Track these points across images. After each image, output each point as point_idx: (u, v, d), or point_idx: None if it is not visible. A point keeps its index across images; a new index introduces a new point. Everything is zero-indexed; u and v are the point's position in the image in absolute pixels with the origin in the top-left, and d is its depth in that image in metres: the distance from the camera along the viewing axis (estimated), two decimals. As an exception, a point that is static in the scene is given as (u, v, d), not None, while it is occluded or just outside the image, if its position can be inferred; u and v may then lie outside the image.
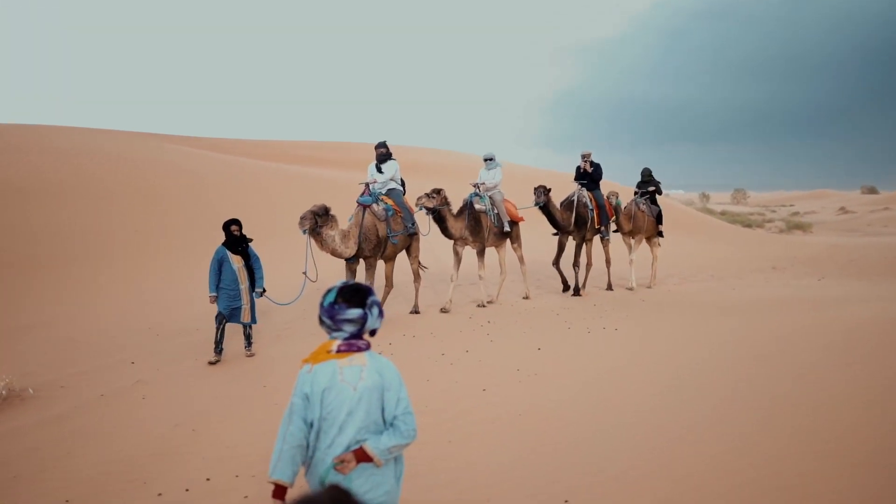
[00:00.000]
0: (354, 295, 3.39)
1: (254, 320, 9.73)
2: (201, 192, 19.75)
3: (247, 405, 7.90)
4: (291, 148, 37.89)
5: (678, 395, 7.41)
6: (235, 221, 9.60)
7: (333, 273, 13.40)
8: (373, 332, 3.51)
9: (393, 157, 12.11)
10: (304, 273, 10.58)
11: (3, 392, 7.92)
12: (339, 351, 3.39)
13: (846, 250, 25.32)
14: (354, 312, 3.36)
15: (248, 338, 9.84)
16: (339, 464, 3.30)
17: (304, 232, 10.42)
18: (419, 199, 11.88)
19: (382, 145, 11.97)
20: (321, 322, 3.43)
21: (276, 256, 15.11)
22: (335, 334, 3.41)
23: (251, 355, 9.80)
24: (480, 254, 12.87)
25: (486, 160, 13.26)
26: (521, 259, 13.78)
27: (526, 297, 13.62)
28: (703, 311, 11.81)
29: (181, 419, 7.50)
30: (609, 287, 14.98)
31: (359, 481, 3.33)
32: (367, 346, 3.46)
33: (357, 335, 3.42)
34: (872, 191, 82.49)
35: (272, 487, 3.42)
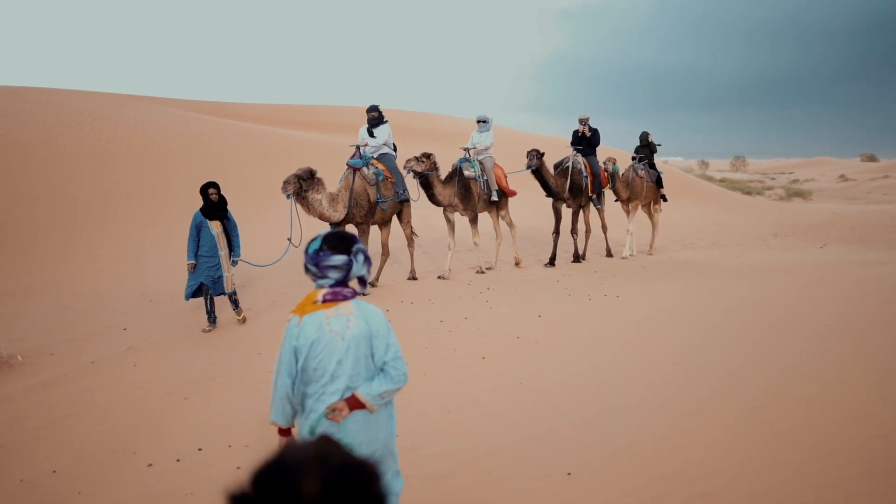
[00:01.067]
0: (339, 242, 3.36)
1: (233, 290, 9.35)
2: (202, 156, 19.44)
3: (241, 373, 7.72)
4: (280, 111, 37.36)
5: (682, 365, 7.23)
6: (213, 185, 9.19)
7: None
8: (362, 281, 3.50)
9: (385, 120, 11.76)
10: (289, 239, 10.28)
11: (-9, 358, 7.73)
12: (324, 300, 3.36)
13: (847, 218, 25.10)
14: (339, 259, 3.32)
15: (235, 303, 9.48)
16: (331, 412, 3.30)
17: (288, 196, 10.08)
18: (407, 161, 11.51)
19: (374, 109, 11.60)
20: (306, 270, 3.40)
21: (274, 219, 14.86)
22: (321, 281, 3.38)
23: (243, 320, 9.54)
24: (473, 221, 12.51)
25: (479, 122, 12.90)
26: (509, 223, 13.23)
27: (517, 264, 13.20)
28: (706, 279, 11.60)
29: (173, 387, 7.32)
30: (608, 254, 14.72)
31: (353, 429, 3.34)
32: (353, 294, 3.44)
33: (342, 282, 3.39)
34: (872, 158, 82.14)
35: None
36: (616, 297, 10.30)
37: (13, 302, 10.41)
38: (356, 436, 3.35)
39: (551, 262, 13.49)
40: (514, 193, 13.14)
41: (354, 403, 3.32)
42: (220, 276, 9.15)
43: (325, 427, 3.34)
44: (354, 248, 3.37)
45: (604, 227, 14.79)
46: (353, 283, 3.52)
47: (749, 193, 39.91)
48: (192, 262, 9.06)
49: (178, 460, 5.64)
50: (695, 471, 5.02)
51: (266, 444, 5.76)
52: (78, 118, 19.59)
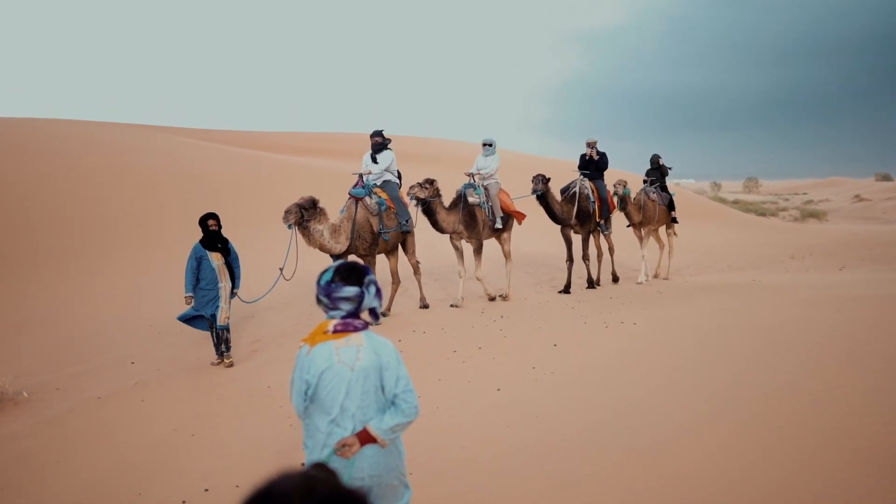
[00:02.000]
0: (351, 273, 3.37)
1: (227, 324, 8.95)
2: (200, 183, 19.35)
3: (249, 407, 7.55)
4: (288, 139, 37.22)
5: (706, 398, 6.98)
6: (212, 216, 8.95)
7: (307, 272, 12.83)
8: (373, 314, 3.49)
9: (389, 146, 11.46)
10: (280, 269, 9.98)
11: (-5, 396, 7.58)
12: (335, 331, 3.36)
13: (864, 238, 24.77)
14: (351, 290, 3.33)
15: (226, 342, 9.00)
16: (342, 448, 3.27)
17: (290, 226, 9.85)
18: (411, 188, 11.24)
19: (378, 134, 11.33)
20: (318, 301, 3.40)
21: (276, 247, 14.73)
22: (332, 313, 3.38)
23: (230, 364, 8.98)
24: (477, 251, 12.09)
25: (484, 145, 12.53)
26: (507, 255, 12.82)
27: (502, 297, 12.57)
28: (725, 304, 11.33)
29: (180, 423, 7.15)
30: (614, 279, 14.32)
31: (364, 464, 3.32)
32: (364, 326, 3.44)
33: (354, 314, 3.39)
34: (887, 178, 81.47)
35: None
36: (633, 325, 10.06)
37: (18, 335, 10.26)
38: (368, 470, 3.33)
39: (566, 289, 13.20)
40: (523, 217, 12.78)
41: (365, 438, 3.29)
42: (218, 308, 8.88)
43: (335, 463, 3.28)
44: (366, 280, 3.38)
45: (611, 250, 14.38)
46: (365, 315, 3.50)
47: (763, 215, 39.62)
48: (190, 294, 8.80)
49: (183, 502, 5.46)
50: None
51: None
52: (80, 148, 19.57)
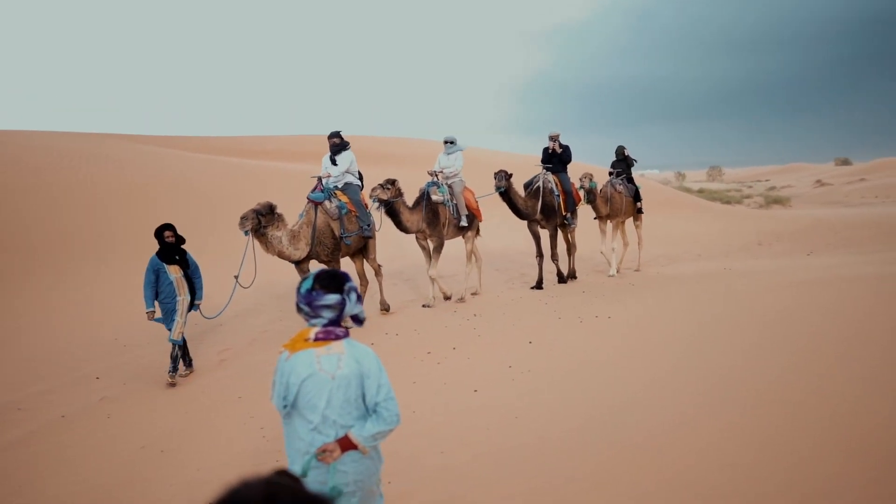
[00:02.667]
0: (332, 281, 3.35)
1: (181, 339, 8.64)
2: (155, 191, 18.96)
3: (220, 420, 7.33)
4: (252, 143, 36.71)
5: (689, 394, 6.89)
6: (169, 226, 8.65)
7: (271, 279, 12.51)
8: (357, 320, 3.47)
9: (347, 146, 11.15)
10: (236, 277, 9.69)
11: (-47, 419, 7.27)
12: (316, 339, 3.35)
13: (829, 223, 25.00)
14: (332, 298, 3.32)
15: (174, 359, 8.59)
16: (322, 454, 3.27)
17: (246, 233, 9.47)
18: (372, 190, 10.93)
19: (336, 135, 10.98)
20: (299, 309, 3.39)
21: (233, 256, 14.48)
22: (314, 321, 3.37)
23: (172, 383, 8.54)
24: (437, 250, 11.81)
25: (446, 143, 12.32)
26: (469, 254, 12.52)
27: (474, 294, 12.55)
28: (697, 294, 11.29)
29: (148, 440, 6.91)
30: (571, 276, 13.90)
31: (344, 469, 3.32)
32: (346, 334, 3.42)
33: (336, 321, 3.38)
34: (846, 162, 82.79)
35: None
36: (608, 318, 9.97)
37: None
38: (352, 475, 3.34)
39: (538, 285, 13.05)
40: (480, 218, 12.68)
41: (346, 444, 3.29)
42: (173, 322, 8.58)
43: (316, 469, 3.30)
44: (346, 287, 3.37)
45: (572, 247, 14.07)
46: (346, 322, 3.49)
47: (728, 203, 39.93)
48: (151, 309, 8.55)
49: (154, 524, 5.24)
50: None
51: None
52: (38, 161, 19.09)
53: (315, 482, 3.30)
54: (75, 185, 17.47)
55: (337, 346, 3.36)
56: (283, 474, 1.56)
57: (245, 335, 10.57)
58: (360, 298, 3.43)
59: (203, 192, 19.87)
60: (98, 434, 7.16)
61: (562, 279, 13.57)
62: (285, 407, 3.36)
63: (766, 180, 71.64)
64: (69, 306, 11.98)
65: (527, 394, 7.21)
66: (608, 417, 6.35)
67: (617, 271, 14.43)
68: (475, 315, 10.90)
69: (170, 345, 8.74)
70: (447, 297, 12.04)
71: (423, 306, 11.64)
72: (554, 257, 13.44)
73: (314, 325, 3.38)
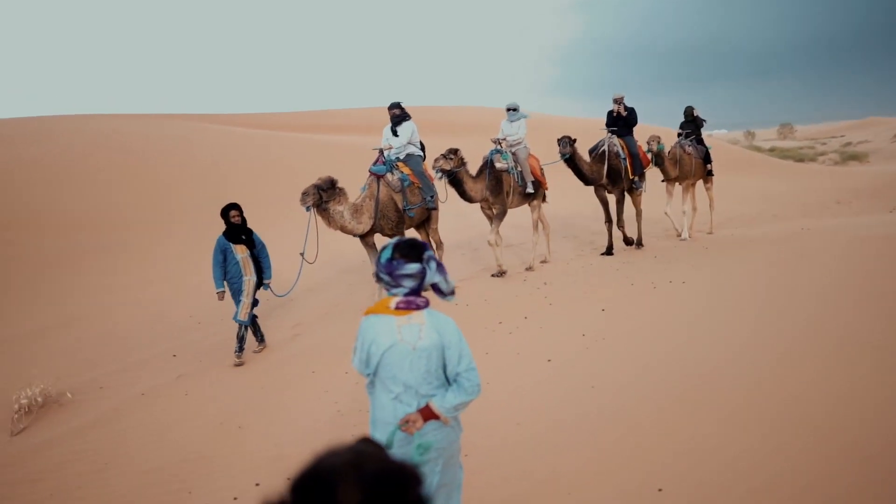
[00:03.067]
0: (412, 250, 3.34)
1: (249, 320, 8.67)
2: (223, 169, 19.19)
3: (295, 395, 7.36)
4: (301, 118, 36.78)
5: (763, 352, 6.63)
6: (234, 206, 8.67)
7: (338, 253, 12.42)
8: (438, 291, 3.41)
9: (409, 117, 10.96)
10: (302, 254, 9.61)
11: (39, 399, 7.47)
12: (397, 308, 3.34)
13: (911, 178, 24.00)
14: (413, 267, 3.30)
15: (240, 339, 8.66)
16: (405, 424, 3.28)
17: (308, 209, 9.35)
18: (435, 161, 10.72)
19: (396, 106, 10.81)
20: (378, 279, 3.40)
21: (297, 230, 14.56)
22: (395, 290, 3.36)
23: (240, 363, 8.60)
24: (498, 217, 11.51)
25: (508, 110, 12.00)
26: (535, 222, 12.31)
27: (544, 262, 12.40)
28: (777, 257, 10.89)
29: (226, 416, 6.99)
30: (639, 243, 13.40)
31: (428, 438, 3.34)
32: (426, 304, 3.40)
33: (417, 291, 3.36)
34: (926, 114, 79.26)
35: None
36: (682, 284, 9.69)
37: (56, 336, 10.14)
38: (437, 444, 3.37)
39: (608, 251, 12.81)
40: (545, 186, 12.38)
41: (428, 414, 3.31)
42: (239, 302, 8.65)
43: (400, 438, 3.33)
44: (426, 256, 3.35)
45: (638, 213, 13.62)
46: (427, 293, 3.50)
47: (801, 161, 38.74)
48: (222, 290, 8.61)
49: (235, 498, 5.29)
50: (794, 481, 4.47)
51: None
52: (111, 141, 19.51)
53: (399, 452, 3.32)
54: (145, 166, 17.82)
55: (418, 317, 3.35)
56: (367, 442, 1.56)
57: (316, 310, 10.63)
58: (441, 267, 3.39)
59: (270, 168, 20.07)
60: (177, 410, 7.27)
61: (629, 243, 13.30)
62: (368, 375, 3.42)
63: (841, 136, 69.12)
64: (144, 285, 12.24)
65: (602, 362, 7.05)
66: (687, 384, 6.15)
67: (690, 235, 14.07)
68: (545, 283, 10.74)
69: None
70: (502, 271, 11.67)
71: (493, 276, 11.50)
72: (620, 223, 13.15)
73: (395, 295, 3.37)
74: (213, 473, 5.79)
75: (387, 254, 3.36)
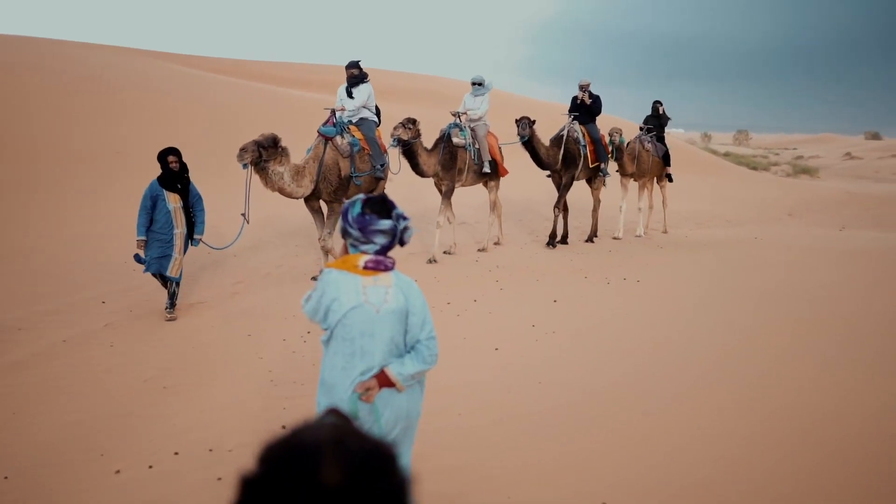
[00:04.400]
0: (382, 206, 3.18)
1: (179, 276, 8.08)
2: (181, 109, 18.46)
3: (227, 358, 6.99)
4: (266, 68, 35.98)
5: (718, 366, 6.49)
6: (173, 151, 7.97)
7: (281, 213, 11.92)
8: (402, 243, 3.25)
9: (367, 79, 10.30)
10: (243, 215, 9.03)
11: (-49, 335, 6.95)
12: (366, 267, 3.18)
13: (860, 198, 24.36)
14: (386, 223, 3.14)
15: (172, 296, 8.06)
16: (365, 392, 3.16)
17: (245, 166, 8.64)
18: (394, 129, 10.24)
19: (354, 65, 10.16)
20: (346, 234, 3.19)
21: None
22: (364, 247, 3.18)
23: (172, 318, 8.03)
24: (447, 195, 11.13)
25: (473, 84, 11.51)
26: (492, 204, 11.99)
27: (496, 244, 12.09)
28: (731, 262, 10.81)
29: (152, 373, 6.58)
30: (592, 237, 13.08)
31: (380, 405, 3.21)
32: (393, 265, 3.26)
33: (387, 249, 3.20)
34: (876, 136, 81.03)
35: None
36: (637, 282, 9.53)
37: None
38: (395, 414, 3.25)
39: (563, 239, 12.45)
40: (505, 173, 11.92)
41: (384, 381, 3.17)
42: (169, 257, 7.94)
43: (364, 409, 3.20)
44: (395, 213, 3.19)
45: (596, 205, 13.22)
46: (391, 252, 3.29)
47: (755, 169, 39.08)
48: (143, 238, 7.87)
49: (150, 466, 4.91)
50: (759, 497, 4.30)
51: (254, 452, 5.06)
52: (58, 67, 18.60)
53: (363, 421, 3.17)
54: (99, 98, 17.04)
55: (385, 279, 3.20)
56: (337, 415, 1.48)
57: (259, 269, 10.20)
58: (409, 226, 3.26)
59: (227, 116, 19.37)
60: (99, 363, 6.83)
61: (553, 242, 12.34)
62: (326, 329, 3.25)
63: (794, 148, 70.19)
64: (80, 223, 11.60)
65: (551, 357, 6.84)
66: (630, 387, 5.96)
67: (644, 233, 13.92)
68: (497, 266, 10.49)
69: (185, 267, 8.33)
70: (447, 252, 11.27)
71: (444, 253, 11.15)
72: (556, 207, 12.38)
73: (363, 253, 3.18)
74: (129, 436, 5.40)
75: (357, 209, 3.16)
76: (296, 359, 6.86)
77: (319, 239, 9.68)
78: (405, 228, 3.22)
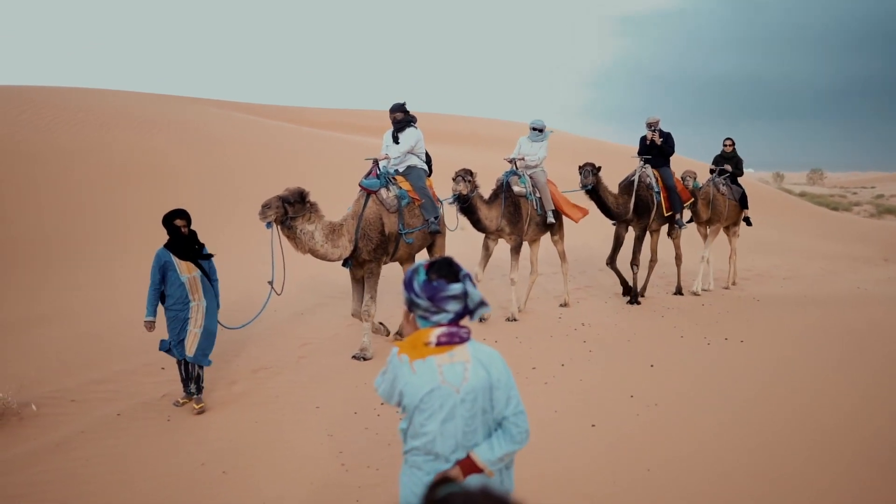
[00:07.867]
0: (448, 268, 2.83)
1: (204, 359, 6.88)
2: (232, 164, 18.10)
3: (293, 436, 6.28)
4: (325, 115, 35.90)
5: (842, 442, 5.55)
6: (181, 213, 6.80)
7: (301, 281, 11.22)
8: (471, 314, 2.87)
9: (415, 123, 9.16)
10: (270, 283, 7.72)
11: (-3, 410, 6.41)
12: (439, 343, 2.81)
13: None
14: (457, 287, 2.80)
15: (196, 380, 6.91)
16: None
17: (269, 225, 7.52)
18: (454, 182, 9.28)
19: (399, 108, 9.06)
20: (413, 307, 2.84)
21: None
22: (436, 318, 2.82)
23: (200, 410, 6.83)
24: (516, 251, 10.10)
25: (532, 129, 10.45)
26: (562, 255, 10.98)
27: (564, 305, 10.96)
28: (843, 317, 9.75)
29: (210, 455, 5.91)
30: (678, 291, 12.16)
31: None
32: (469, 335, 2.89)
33: (460, 316, 2.84)
34: (955, 173, 77.77)
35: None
36: (740, 343, 8.59)
37: (27, 334, 8.96)
38: None
39: (633, 298, 11.29)
40: (583, 212, 10.82)
41: (469, 468, 2.82)
42: (186, 335, 6.79)
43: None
44: (462, 275, 2.85)
45: (678, 258, 12.28)
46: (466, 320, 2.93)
47: (836, 209, 37.44)
48: (151, 318, 6.76)
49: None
50: None
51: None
52: (108, 122, 18.46)
53: None
54: (152, 154, 16.84)
55: (461, 353, 2.84)
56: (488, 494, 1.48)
57: (327, 329, 9.54)
58: (474, 286, 2.88)
59: (277, 162, 19.04)
60: (154, 441, 6.21)
61: (634, 299, 11.36)
62: (404, 413, 2.91)
63: (872, 187, 67.74)
64: (135, 282, 11.10)
65: (656, 436, 5.98)
66: (760, 474, 5.06)
67: (709, 287, 12.61)
68: (582, 324, 9.64)
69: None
70: (512, 318, 10.02)
71: (507, 320, 9.95)
72: (634, 263, 11.38)
73: (435, 325, 2.83)
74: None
75: (421, 276, 2.84)
76: (369, 437, 6.14)
77: (354, 313, 8.64)
78: (481, 303, 2.85)
